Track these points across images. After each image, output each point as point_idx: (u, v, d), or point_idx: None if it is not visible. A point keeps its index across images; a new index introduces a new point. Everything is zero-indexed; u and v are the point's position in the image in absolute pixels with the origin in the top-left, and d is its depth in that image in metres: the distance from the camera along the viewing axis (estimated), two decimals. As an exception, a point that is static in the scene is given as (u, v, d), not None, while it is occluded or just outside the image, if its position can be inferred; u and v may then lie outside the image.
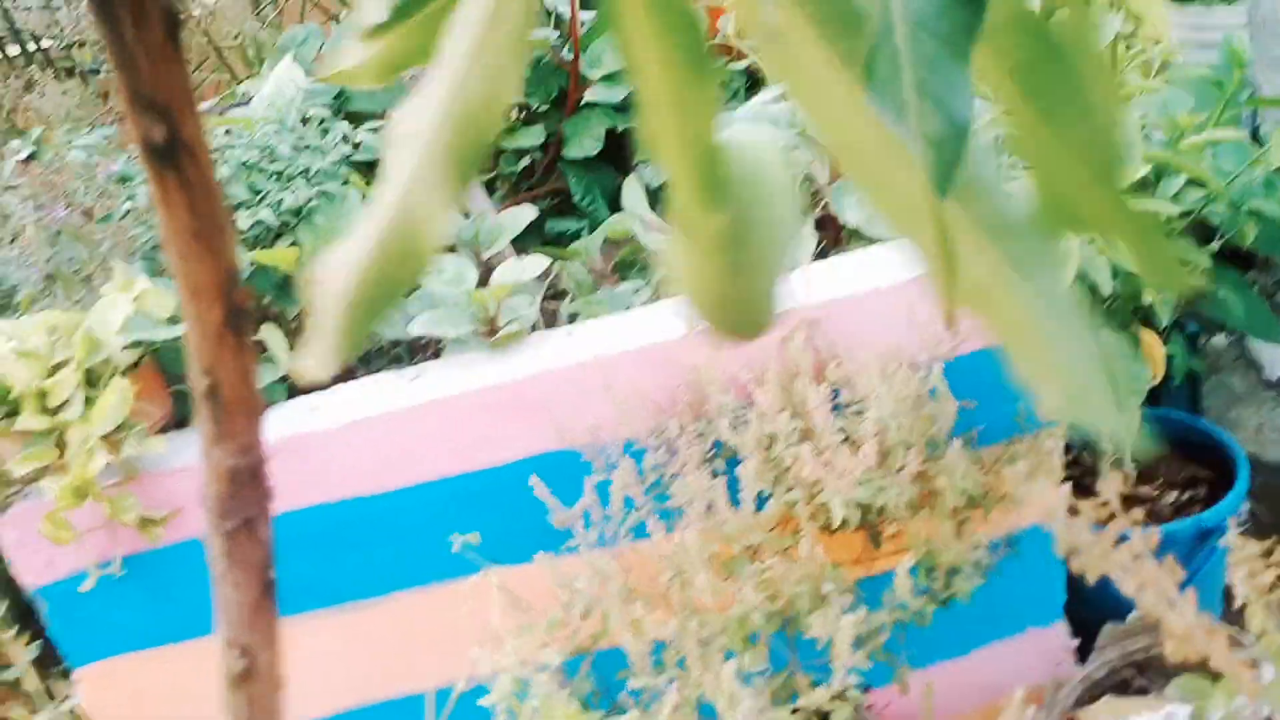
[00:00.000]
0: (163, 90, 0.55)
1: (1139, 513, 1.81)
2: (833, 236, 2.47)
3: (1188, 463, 2.85)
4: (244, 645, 0.74)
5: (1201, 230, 2.66)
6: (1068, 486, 1.91)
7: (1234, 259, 2.80)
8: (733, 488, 2.04)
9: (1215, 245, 2.65)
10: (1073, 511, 1.83)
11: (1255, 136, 3.17)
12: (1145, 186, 2.53)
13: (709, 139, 0.57)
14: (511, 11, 0.56)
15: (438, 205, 0.57)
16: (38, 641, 2.20)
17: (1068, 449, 2.61)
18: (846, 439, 2.03)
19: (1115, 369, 0.56)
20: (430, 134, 0.56)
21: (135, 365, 2.07)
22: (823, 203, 2.46)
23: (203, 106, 3.06)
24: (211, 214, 0.60)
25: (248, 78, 3.52)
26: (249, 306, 0.63)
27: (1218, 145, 2.68)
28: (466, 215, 2.67)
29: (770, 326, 0.75)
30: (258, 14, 4.04)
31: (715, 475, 2.07)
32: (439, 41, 0.57)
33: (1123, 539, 1.79)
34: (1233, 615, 1.87)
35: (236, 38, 3.81)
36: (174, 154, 0.57)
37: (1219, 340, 3.55)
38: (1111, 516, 1.80)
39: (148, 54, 0.54)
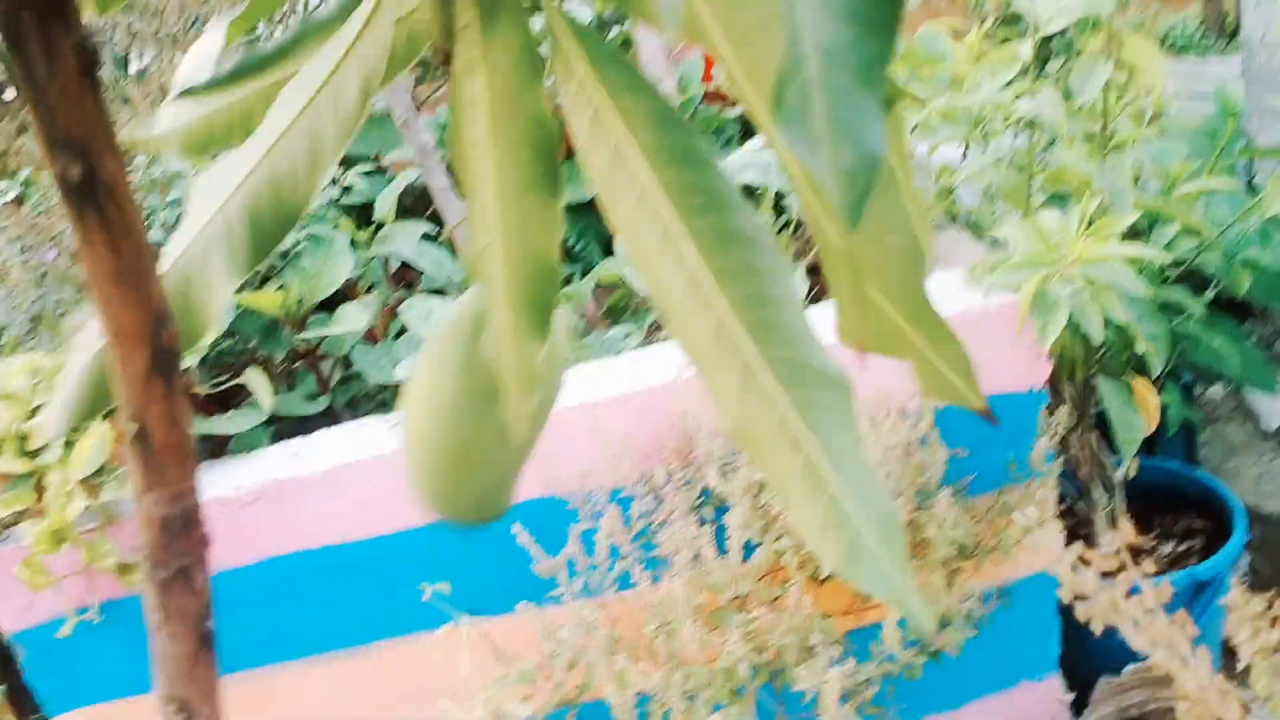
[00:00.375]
0: (78, 128, 0.54)
1: (1150, 565, 1.78)
2: (824, 282, 2.45)
3: (1184, 514, 2.82)
4: (181, 699, 0.71)
5: (1195, 279, 2.64)
6: (1064, 539, 1.88)
7: (1230, 308, 2.78)
8: (720, 536, 2.01)
9: (1210, 294, 2.63)
10: (1082, 561, 1.80)
11: (1250, 186, 3.16)
12: (1137, 235, 2.51)
13: (549, 260, 0.55)
14: (347, 88, 0.54)
15: (223, 270, 0.54)
16: (12, 686, 2.17)
17: (1061, 498, 2.59)
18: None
19: (897, 530, 0.53)
20: (236, 195, 0.54)
21: (116, 409, 2.05)
22: (814, 249, 2.44)
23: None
24: (134, 255, 0.58)
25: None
26: (177, 350, 0.61)
27: (1212, 195, 2.67)
28: (454, 254, 2.66)
29: (500, 516, 0.70)
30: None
31: (703, 523, 2.04)
32: (259, 119, 0.55)
33: (1133, 591, 1.75)
34: (1231, 668, 1.84)
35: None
36: (93, 193, 0.55)
37: (1215, 390, 3.53)
38: (1121, 568, 1.77)
39: (62, 91, 0.53)
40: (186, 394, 0.64)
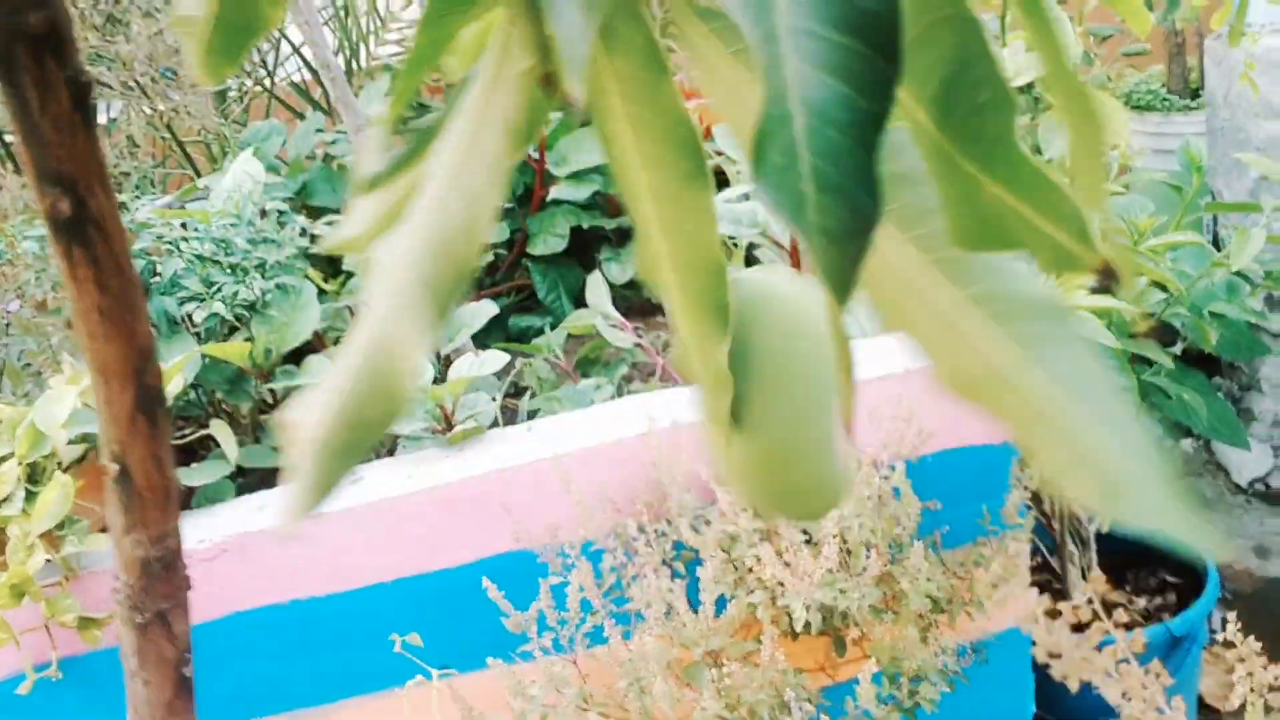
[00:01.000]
0: (69, 163, 0.52)
1: (1122, 614, 1.77)
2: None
3: (1157, 569, 2.82)
4: (157, 753, 0.69)
5: (1164, 333, 2.65)
6: (1036, 592, 1.87)
7: (1199, 362, 2.79)
8: (693, 590, 1.99)
9: (1178, 348, 2.64)
10: (1051, 615, 1.78)
11: (1215, 241, 3.19)
12: (1105, 288, 2.52)
13: (711, 253, 0.53)
14: (488, 141, 0.54)
15: (414, 338, 0.53)
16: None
17: (1034, 552, 2.58)
18: (808, 539, 2.00)
19: (1159, 454, 0.48)
20: (408, 264, 0.53)
21: (80, 460, 2.02)
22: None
23: (162, 201, 3.03)
24: (122, 292, 0.56)
25: (210, 172, 3.51)
26: (162, 389, 0.59)
27: (1178, 249, 2.69)
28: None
29: (839, 498, 0.66)
30: (222, 110, 4.04)
31: (675, 577, 2.02)
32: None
33: (1105, 643, 1.74)
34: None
35: (200, 133, 3.80)
36: (82, 228, 0.53)
37: (1186, 444, 3.54)
38: (1094, 618, 1.75)
39: (54, 125, 0.51)
40: (170, 435, 0.62)
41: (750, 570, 1.98)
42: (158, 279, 2.33)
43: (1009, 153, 0.45)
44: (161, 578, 0.65)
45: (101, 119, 3.60)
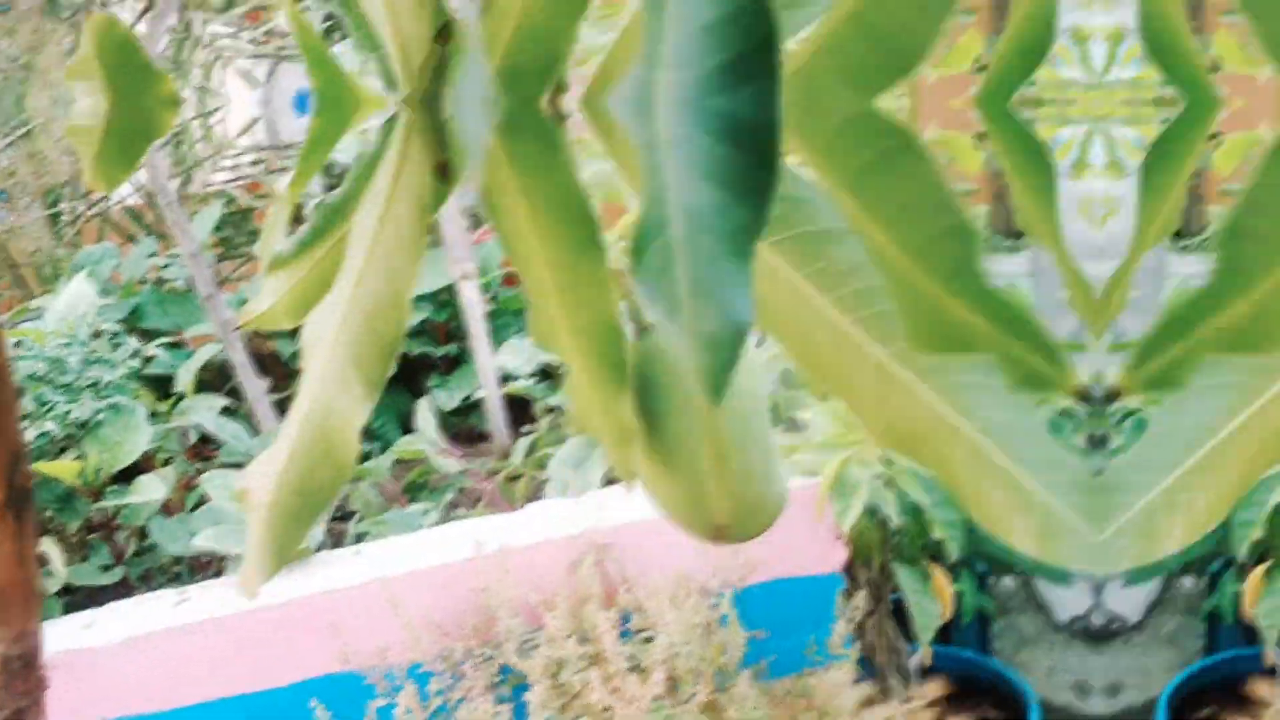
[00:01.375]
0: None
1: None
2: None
3: (979, 703, 2.86)
4: None
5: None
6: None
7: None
8: (520, 715, 2.01)
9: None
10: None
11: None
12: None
13: (608, 318, 0.55)
14: (401, 216, 0.56)
15: (351, 405, 0.56)
16: None
17: (857, 683, 2.63)
18: (636, 666, 2.03)
19: (1094, 492, 0.50)
20: (336, 339, 0.56)
21: None
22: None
23: (-7, 318, 3.00)
24: (-3, 394, 0.59)
25: (43, 294, 3.47)
26: (31, 489, 0.62)
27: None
28: (252, 428, 2.64)
29: (778, 513, 0.65)
30: (56, 232, 4.00)
31: (501, 701, 2.04)
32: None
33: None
34: None
35: (33, 254, 3.75)
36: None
37: (1008, 580, 3.61)
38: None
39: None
40: (36, 534, 0.65)
41: (578, 695, 2.00)
42: (-14, 395, 2.30)
43: (972, 282, 0.47)
44: (20, 675, 0.67)
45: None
